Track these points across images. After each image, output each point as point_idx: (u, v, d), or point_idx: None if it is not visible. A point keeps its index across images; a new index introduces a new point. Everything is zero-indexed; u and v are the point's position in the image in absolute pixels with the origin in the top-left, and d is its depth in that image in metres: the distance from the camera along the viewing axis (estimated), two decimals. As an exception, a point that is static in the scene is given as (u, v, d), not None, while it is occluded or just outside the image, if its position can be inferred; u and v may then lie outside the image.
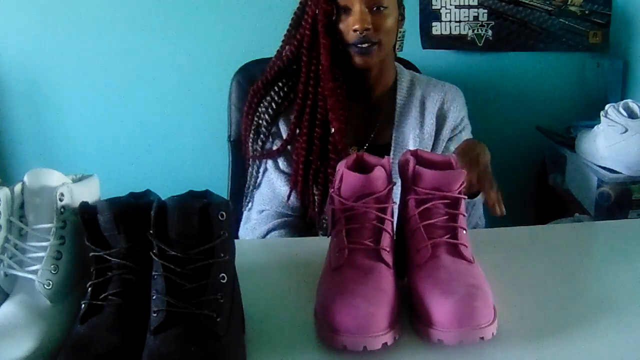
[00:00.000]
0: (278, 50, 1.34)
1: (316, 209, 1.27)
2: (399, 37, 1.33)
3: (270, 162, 1.32)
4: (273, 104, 1.31)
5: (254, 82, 1.37)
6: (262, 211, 1.31)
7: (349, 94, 1.30)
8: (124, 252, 0.69)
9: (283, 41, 1.33)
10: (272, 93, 1.32)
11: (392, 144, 1.32)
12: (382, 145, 1.33)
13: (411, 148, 1.31)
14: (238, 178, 1.51)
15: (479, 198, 1.12)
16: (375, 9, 1.21)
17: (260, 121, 1.32)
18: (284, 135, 1.30)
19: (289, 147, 1.30)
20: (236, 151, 1.56)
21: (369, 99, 1.34)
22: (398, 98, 1.35)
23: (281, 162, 1.31)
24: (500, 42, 1.84)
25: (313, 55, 1.26)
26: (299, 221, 1.31)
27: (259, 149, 1.32)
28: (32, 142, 1.96)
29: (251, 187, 1.35)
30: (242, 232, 1.32)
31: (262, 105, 1.32)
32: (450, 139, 1.36)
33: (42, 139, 1.95)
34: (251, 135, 1.33)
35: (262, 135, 1.32)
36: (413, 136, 1.32)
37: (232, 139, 1.59)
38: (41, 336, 0.67)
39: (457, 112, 1.37)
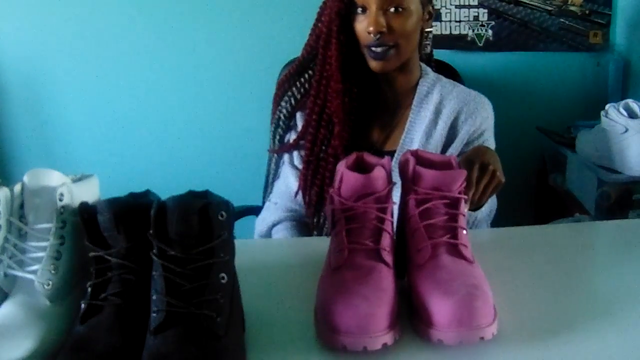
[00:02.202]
0: (304, 47, 1.33)
1: (312, 209, 1.26)
2: (426, 37, 1.28)
3: (286, 156, 1.33)
4: (292, 99, 1.32)
5: None
6: (276, 203, 1.33)
7: (366, 95, 1.27)
8: (124, 252, 0.69)
9: (309, 36, 1.31)
10: (294, 88, 1.33)
11: (398, 151, 1.26)
12: (388, 153, 1.26)
13: None
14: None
15: (483, 212, 1.08)
16: (393, 9, 1.15)
17: (280, 114, 1.34)
18: (298, 130, 1.32)
19: (301, 142, 1.30)
20: None
21: (387, 102, 1.30)
22: (414, 104, 1.27)
23: (296, 157, 1.32)
24: (500, 42, 1.85)
25: (328, 55, 1.23)
26: (307, 219, 1.30)
27: (277, 142, 1.34)
28: (32, 142, 1.96)
29: (271, 178, 1.38)
30: (257, 221, 1.35)
31: (284, 99, 1.34)
32: (462, 154, 1.25)
33: (42, 139, 1.95)
34: (272, 128, 1.35)
35: (279, 129, 1.34)
36: (418, 145, 1.24)
37: None
38: (41, 336, 0.67)
39: (476, 125, 1.25)
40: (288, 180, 1.31)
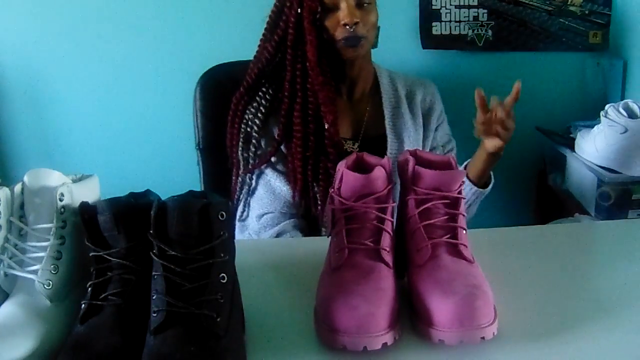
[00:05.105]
0: (256, 56, 1.33)
1: (319, 206, 1.26)
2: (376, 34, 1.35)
3: (268, 166, 1.31)
4: (261, 107, 1.30)
5: (222, 87, 1.41)
6: (262, 215, 1.30)
7: (339, 89, 1.33)
8: (124, 252, 0.69)
9: (260, 45, 1.32)
10: (258, 98, 1.31)
11: (388, 135, 1.35)
12: (375, 137, 1.35)
13: (406, 138, 1.36)
14: (211, 187, 1.50)
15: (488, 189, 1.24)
16: (359, 5, 1.24)
17: (249, 129, 1.30)
18: (275, 136, 1.29)
19: (281, 147, 1.30)
20: (207, 159, 1.52)
21: (352, 94, 1.37)
22: (383, 92, 1.38)
23: (277, 162, 1.31)
24: (500, 42, 1.84)
25: (298, 54, 1.26)
26: (303, 221, 1.30)
27: (252, 156, 1.30)
28: (32, 142, 1.96)
29: (245, 196, 1.33)
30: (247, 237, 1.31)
31: (248, 111, 1.31)
32: (435, 129, 1.45)
33: (42, 139, 1.95)
34: (240, 144, 1.31)
35: (254, 141, 1.30)
36: (407, 126, 1.37)
37: (201, 147, 1.53)
38: (41, 336, 0.67)
39: (439, 105, 1.45)
40: (274, 187, 1.30)
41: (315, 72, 1.25)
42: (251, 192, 1.32)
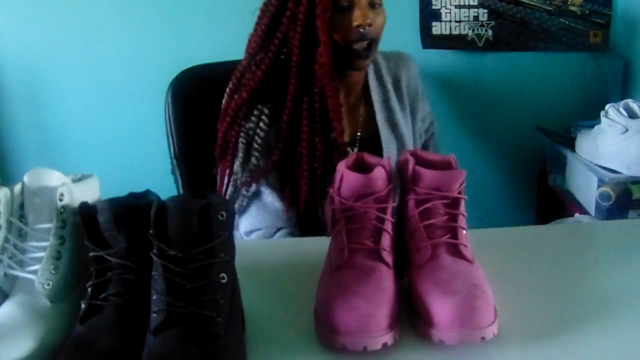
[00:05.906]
0: (250, 53, 1.21)
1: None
2: None
3: (261, 181, 1.21)
4: (263, 116, 1.20)
5: (195, 92, 1.39)
6: (251, 232, 1.23)
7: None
8: (124, 252, 0.69)
9: (255, 42, 1.20)
10: (259, 105, 1.20)
11: (382, 136, 1.29)
12: (369, 138, 1.30)
13: (400, 136, 1.32)
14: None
15: None
16: (372, 5, 1.18)
17: (249, 138, 1.20)
18: (274, 146, 1.21)
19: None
20: (186, 168, 1.44)
21: (348, 98, 1.29)
22: (372, 90, 1.31)
23: (272, 177, 1.22)
24: (500, 42, 1.84)
25: (306, 55, 1.17)
26: (295, 229, 1.25)
27: (253, 169, 1.20)
28: (32, 142, 1.96)
29: (237, 209, 1.23)
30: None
31: (250, 119, 1.20)
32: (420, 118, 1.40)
33: (42, 139, 1.95)
34: (241, 157, 1.20)
35: (257, 153, 1.20)
36: (400, 123, 1.31)
37: (177, 155, 1.45)
38: (41, 336, 0.67)
39: (421, 86, 1.39)
40: (267, 202, 1.22)
41: (328, 77, 1.16)
42: (242, 210, 1.24)
